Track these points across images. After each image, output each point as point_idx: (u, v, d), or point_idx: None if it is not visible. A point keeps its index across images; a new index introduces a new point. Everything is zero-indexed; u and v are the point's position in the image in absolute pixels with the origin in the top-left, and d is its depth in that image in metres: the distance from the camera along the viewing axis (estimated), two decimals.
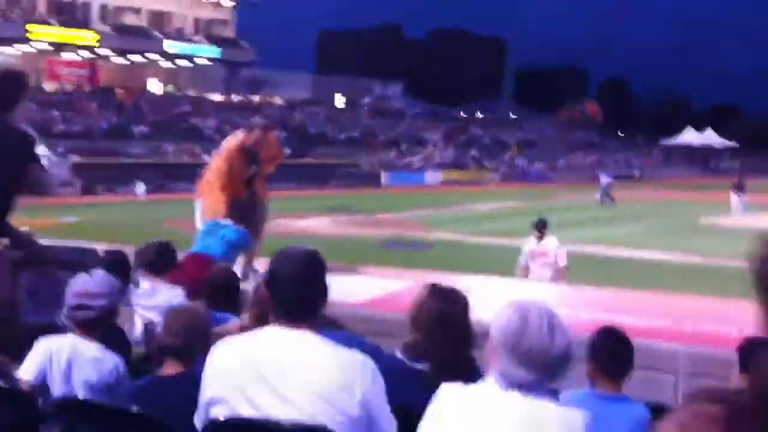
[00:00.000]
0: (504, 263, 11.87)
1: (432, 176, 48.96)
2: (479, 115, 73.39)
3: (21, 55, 48.59)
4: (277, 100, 58.00)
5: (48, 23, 47.45)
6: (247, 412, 2.23)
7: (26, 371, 3.02)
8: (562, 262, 9.79)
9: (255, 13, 67.39)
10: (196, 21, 55.57)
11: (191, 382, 2.50)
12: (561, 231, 20.94)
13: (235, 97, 55.28)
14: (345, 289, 6.67)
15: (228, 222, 6.94)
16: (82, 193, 35.48)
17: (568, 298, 7.70)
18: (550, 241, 9.98)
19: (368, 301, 6.65)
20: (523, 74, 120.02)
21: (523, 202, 32.41)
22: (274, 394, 2.20)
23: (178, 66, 54.92)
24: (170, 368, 2.98)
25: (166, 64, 54.08)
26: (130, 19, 52.32)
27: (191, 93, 53.62)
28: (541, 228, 9.98)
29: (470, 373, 2.70)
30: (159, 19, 53.62)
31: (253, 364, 2.25)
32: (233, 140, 7.87)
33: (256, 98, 56.21)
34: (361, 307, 6.27)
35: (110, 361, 3.12)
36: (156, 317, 4.22)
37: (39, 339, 3.12)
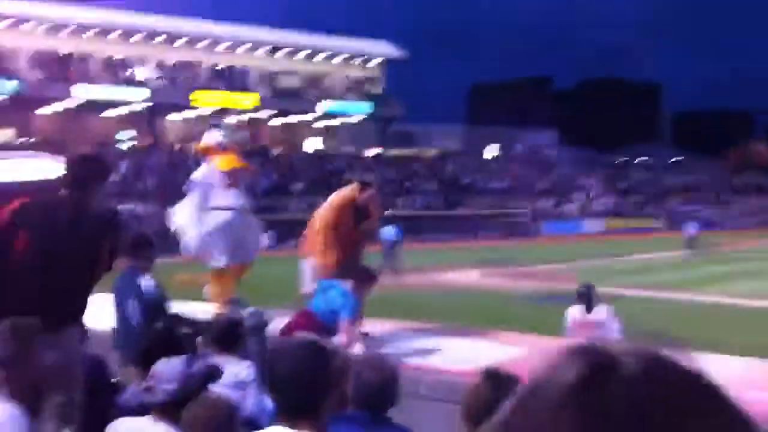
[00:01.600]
0: (672, 320, 10.95)
1: (591, 225, 47.35)
2: (637, 160, 70.88)
3: (187, 120, 51.76)
4: (429, 153, 58.41)
5: (210, 89, 50.31)
6: None
7: None
8: (614, 334, 7.85)
9: (405, 69, 68.70)
10: (348, 80, 57.23)
11: None
12: (737, 282, 19.45)
13: (388, 152, 56.17)
14: (462, 355, 6.28)
15: (339, 284, 6.75)
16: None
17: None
18: (599, 311, 8.30)
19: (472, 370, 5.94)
20: (682, 118, 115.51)
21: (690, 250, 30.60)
22: None
23: (332, 124, 56.61)
24: None
25: (321, 122, 55.87)
26: (286, 82, 54.61)
27: (345, 149, 55.06)
28: (585, 297, 8.32)
29: None
30: (313, 80, 55.65)
31: None
32: (343, 193, 7.70)
33: (407, 152, 56.91)
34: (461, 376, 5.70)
35: None
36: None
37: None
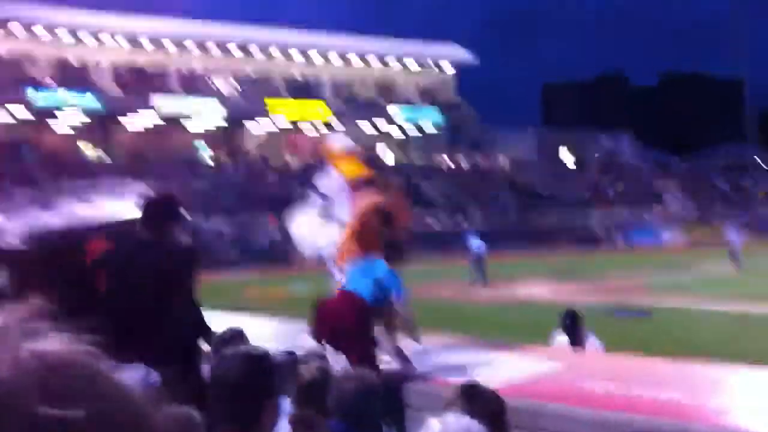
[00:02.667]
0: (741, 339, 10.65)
1: (670, 234, 46.11)
2: (719, 162, 68.62)
3: (265, 134, 52.82)
4: (502, 161, 58.01)
5: (285, 100, 51.23)
6: None
7: None
8: None
9: (476, 74, 68.40)
10: (420, 87, 57.43)
11: None
12: None
13: (461, 161, 56.05)
14: (496, 371, 6.22)
15: (383, 263, 6.25)
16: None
17: None
18: (589, 344, 7.32)
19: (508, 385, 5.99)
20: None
21: None
22: None
23: (406, 132, 56.88)
24: None
25: (393, 131, 56.22)
26: (359, 91, 55.19)
27: (418, 158, 55.19)
28: (569, 325, 7.34)
29: None
30: (385, 87, 56.07)
31: None
32: (367, 199, 7.02)
33: (480, 160, 56.61)
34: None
35: None
36: None
37: None
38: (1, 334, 0.49)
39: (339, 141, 7.53)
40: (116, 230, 4.79)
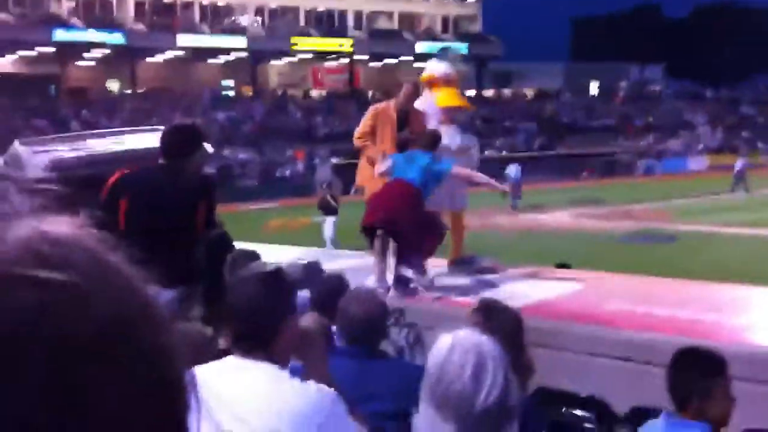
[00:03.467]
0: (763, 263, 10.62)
1: (696, 162, 45.58)
2: (750, 93, 67.24)
3: (287, 66, 52.49)
4: (528, 92, 57.29)
5: (309, 35, 50.71)
6: None
7: None
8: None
9: (503, 6, 67.05)
10: (444, 19, 56.47)
11: None
12: None
13: (486, 92, 55.42)
14: (516, 292, 6.24)
15: (423, 152, 6.24)
16: (342, 193, 37.41)
17: None
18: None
19: (530, 305, 5.93)
20: None
21: None
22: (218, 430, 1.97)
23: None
24: None
25: (417, 64, 55.52)
26: (382, 23, 54.41)
27: None
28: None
29: None
30: (409, 20, 55.22)
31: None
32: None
33: (506, 92, 55.98)
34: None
35: None
36: None
37: None
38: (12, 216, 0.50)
39: (439, 68, 7.30)
40: (138, 159, 4.78)
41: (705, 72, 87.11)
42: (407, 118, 6.95)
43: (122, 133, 6.22)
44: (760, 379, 4.31)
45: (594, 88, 61.64)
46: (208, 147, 9.72)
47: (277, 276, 2.18)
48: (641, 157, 45.51)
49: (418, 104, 7.13)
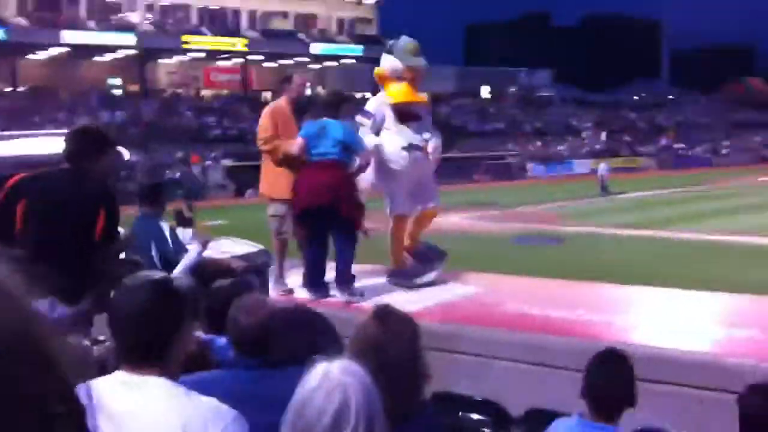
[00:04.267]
0: (646, 263, 10.97)
1: (581, 165, 47.32)
2: (634, 98, 70.39)
3: (178, 65, 51.28)
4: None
5: (201, 33, 49.70)
6: None
7: None
8: None
9: (398, 10, 67.69)
10: (340, 21, 56.49)
11: None
12: (716, 219, 19.68)
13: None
14: (413, 297, 6.28)
15: (334, 121, 6.15)
16: (235, 196, 36.87)
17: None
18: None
19: (427, 309, 5.96)
20: (681, 55, 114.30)
21: (679, 189, 30.74)
22: None
23: (325, 67, 56.01)
24: None
25: (313, 65, 55.31)
26: (277, 24, 53.92)
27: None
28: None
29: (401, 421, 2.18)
30: (305, 21, 54.94)
31: (90, 413, 1.90)
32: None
33: None
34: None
35: None
36: None
37: None
38: None
39: (389, 63, 6.91)
40: (40, 164, 4.61)
41: (591, 79, 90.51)
42: (301, 109, 6.80)
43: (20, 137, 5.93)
44: (650, 378, 4.42)
45: (485, 92, 62.98)
46: (124, 152, 9.17)
47: (167, 283, 2.05)
48: (530, 160, 46.89)
49: (374, 102, 6.95)
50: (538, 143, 50.89)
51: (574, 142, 52.02)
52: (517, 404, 3.89)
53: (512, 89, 64.16)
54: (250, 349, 2.71)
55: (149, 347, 1.97)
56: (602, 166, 32.77)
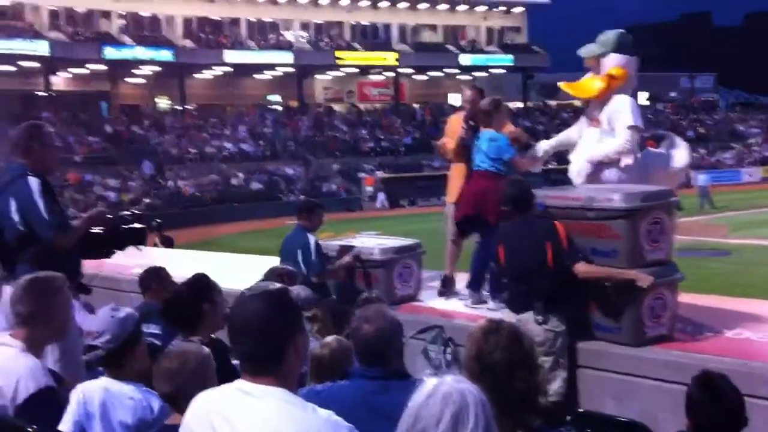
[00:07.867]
0: None
1: (749, 174, 44.60)
2: None
3: (333, 80, 52.76)
4: (575, 103, 56.64)
5: (353, 48, 50.92)
6: None
7: (64, 424, 2.96)
8: None
9: (548, 17, 66.52)
10: (489, 31, 56.22)
11: None
12: None
13: (532, 104, 55.01)
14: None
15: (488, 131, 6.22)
16: (390, 207, 37.51)
17: None
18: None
19: None
20: None
21: None
22: None
23: (475, 77, 55.89)
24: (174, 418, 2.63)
25: (462, 76, 55.34)
26: (427, 37, 54.38)
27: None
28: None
29: None
30: (453, 32, 55.10)
31: (208, 421, 2.01)
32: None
33: (552, 103, 55.45)
34: None
35: (145, 400, 3.01)
36: None
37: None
38: None
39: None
40: None
41: (757, 81, 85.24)
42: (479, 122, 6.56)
43: None
44: None
45: (642, 97, 60.74)
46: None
47: (281, 295, 2.11)
48: (692, 168, 44.70)
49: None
50: (701, 150, 48.48)
51: (740, 148, 49.16)
52: (665, 427, 3.74)
53: (672, 94, 61.44)
54: (369, 359, 2.73)
55: (265, 357, 2.02)
56: (703, 178, 29.91)
